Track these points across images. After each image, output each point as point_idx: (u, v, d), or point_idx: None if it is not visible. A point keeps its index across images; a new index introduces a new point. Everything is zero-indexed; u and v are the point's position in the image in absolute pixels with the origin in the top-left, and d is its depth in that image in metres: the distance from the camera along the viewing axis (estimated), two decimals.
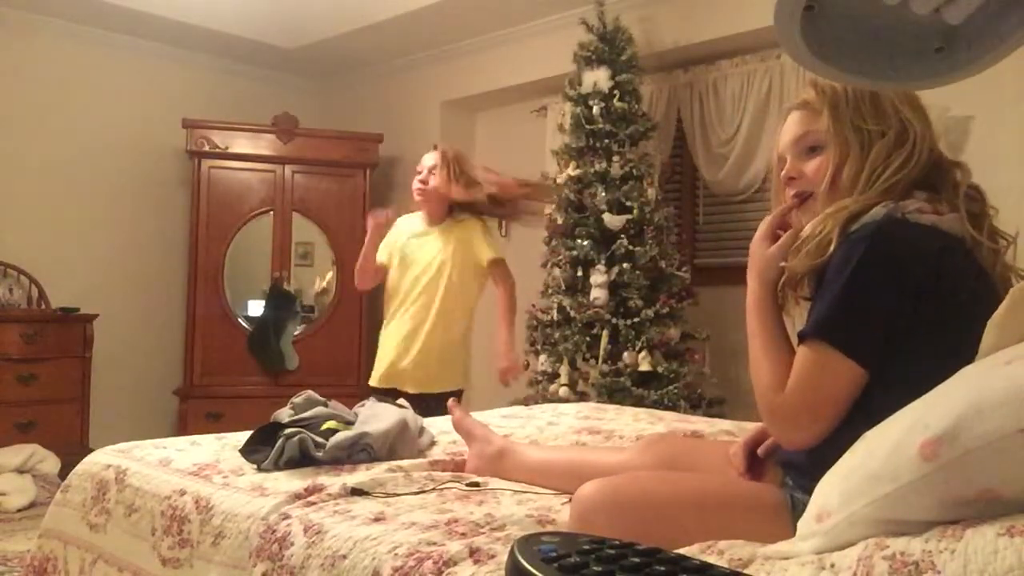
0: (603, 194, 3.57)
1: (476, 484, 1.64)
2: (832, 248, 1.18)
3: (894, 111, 1.25)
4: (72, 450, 3.87)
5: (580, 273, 3.61)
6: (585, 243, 3.57)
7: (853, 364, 1.13)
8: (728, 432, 2.05)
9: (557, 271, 3.69)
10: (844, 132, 1.26)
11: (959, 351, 1.05)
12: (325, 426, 1.84)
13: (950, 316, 1.11)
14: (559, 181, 3.73)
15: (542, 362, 3.68)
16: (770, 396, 1.21)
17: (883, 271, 1.13)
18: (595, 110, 3.63)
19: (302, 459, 1.69)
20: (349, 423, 1.90)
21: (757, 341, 1.28)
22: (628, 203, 3.57)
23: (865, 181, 1.23)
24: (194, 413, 4.53)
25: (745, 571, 0.99)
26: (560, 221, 3.71)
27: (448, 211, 3.10)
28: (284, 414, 1.96)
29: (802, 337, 1.19)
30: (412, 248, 3.10)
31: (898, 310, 1.12)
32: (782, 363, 1.22)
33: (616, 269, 3.51)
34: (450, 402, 1.96)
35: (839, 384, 1.14)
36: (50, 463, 3.91)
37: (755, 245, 1.34)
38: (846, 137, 1.26)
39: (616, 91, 3.63)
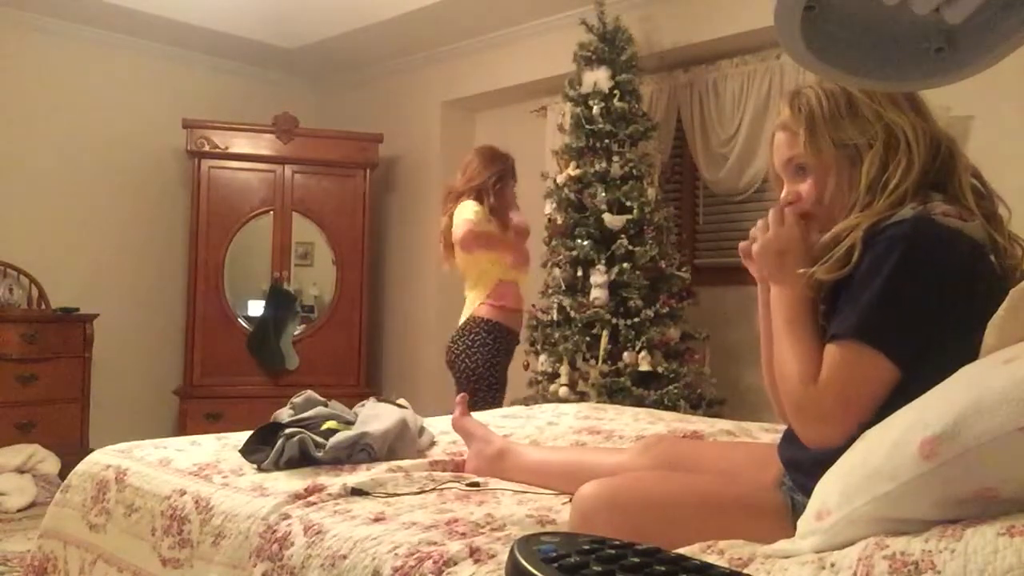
0: (603, 194, 3.57)
1: (476, 484, 1.64)
2: (856, 257, 1.16)
3: (876, 118, 1.21)
4: (72, 450, 3.87)
5: (580, 273, 3.61)
6: (585, 243, 3.57)
7: (889, 363, 1.10)
8: (728, 432, 2.05)
9: (557, 271, 3.70)
10: (824, 152, 1.24)
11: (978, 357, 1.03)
12: (325, 426, 1.84)
13: (977, 320, 1.08)
14: (559, 181, 3.73)
15: (542, 362, 3.68)
16: (800, 389, 1.16)
17: (921, 271, 1.11)
18: (595, 110, 3.63)
19: (302, 459, 1.70)
20: (349, 423, 1.90)
21: (786, 329, 1.22)
22: (628, 203, 3.56)
23: (865, 194, 1.20)
24: (194, 413, 4.53)
25: (745, 571, 0.99)
26: (560, 221, 3.71)
27: None
28: (284, 414, 1.96)
29: (834, 337, 1.15)
30: None
31: (933, 311, 1.11)
32: (814, 355, 1.17)
33: (616, 269, 3.51)
34: (458, 398, 1.95)
35: (873, 382, 1.11)
36: (50, 463, 3.90)
37: (772, 236, 1.29)
38: (827, 158, 1.24)
39: (616, 91, 3.63)
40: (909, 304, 1.11)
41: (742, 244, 1.36)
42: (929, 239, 1.12)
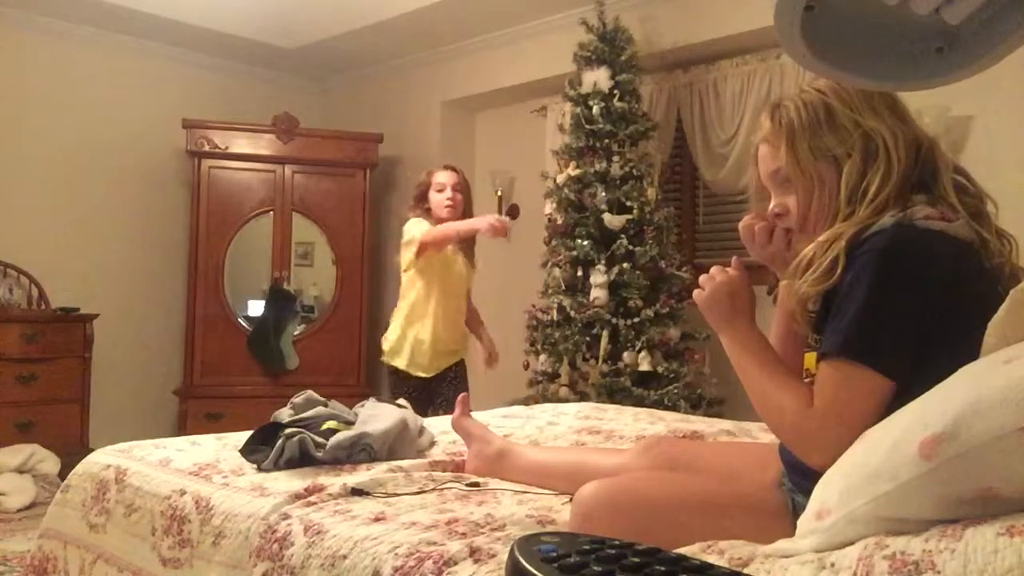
0: (603, 194, 3.57)
1: (476, 484, 1.64)
2: (840, 269, 1.15)
3: (854, 125, 1.21)
4: (72, 450, 3.87)
5: (580, 273, 3.61)
6: (585, 243, 3.57)
7: (880, 378, 1.10)
8: (728, 432, 2.05)
9: (557, 271, 3.69)
10: (804, 164, 1.24)
11: (977, 357, 1.03)
12: (325, 426, 1.84)
13: (968, 321, 1.07)
14: (559, 181, 3.73)
15: (542, 362, 3.68)
16: (799, 418, 1.16)
17: (903, 280, 1.11)
18: (595, 110, 3.63)
19: (302, 459, 1.70)
20: (349, 423, 1.90)
21: (763, 371, 1.24)
22: (628, 203, 3.57)
23: (846, 204, 1.20)
24: (194, 413, 4.53)
25: (745, 571, 0.99)
26: (560, 221, 3.71)
27: None
28: (284, 414, 1.96)
29: (824, 356, 1.15)
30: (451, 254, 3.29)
31: (920, 317, 1.10)
32: (799, 382, 1.20)
33: (616, 269, 3.51)
34: (459, 398, 1.95)
35: (868, 400, 1.10)
36: (50, 463, 3.90)
37: (711, 293, 1.33)
38: (807, 169, 1.24)
39: (616, 91, 3.63)
40: (893, 315, 1.11)
41: (695, 292, 1.36)
42: (909, 246, 1.12)
